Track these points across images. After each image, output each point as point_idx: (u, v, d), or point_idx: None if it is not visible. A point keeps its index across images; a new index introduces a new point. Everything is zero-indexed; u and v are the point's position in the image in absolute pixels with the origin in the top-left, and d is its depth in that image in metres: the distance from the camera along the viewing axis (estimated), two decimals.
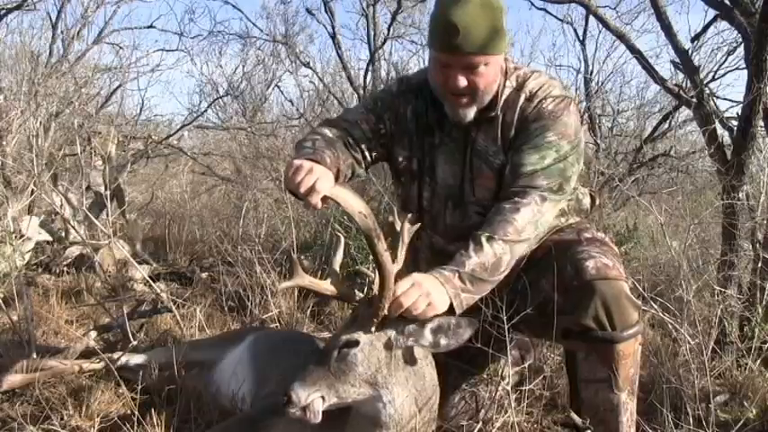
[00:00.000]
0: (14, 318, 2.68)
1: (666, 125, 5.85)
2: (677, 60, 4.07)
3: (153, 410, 2.02)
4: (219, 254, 3.96)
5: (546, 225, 1.92)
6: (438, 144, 2.05)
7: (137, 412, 1.93)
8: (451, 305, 1.70)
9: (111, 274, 3.83)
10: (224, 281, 3.58)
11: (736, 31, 3.86)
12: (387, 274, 1.59)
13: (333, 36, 7.28)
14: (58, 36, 6.51)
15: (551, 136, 1.89)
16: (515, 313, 1.83)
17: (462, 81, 1.86)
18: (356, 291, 1.72)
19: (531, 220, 1.84)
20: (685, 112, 5.65)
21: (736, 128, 3.22)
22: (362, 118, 2.04)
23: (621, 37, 4.43)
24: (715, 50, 5.33)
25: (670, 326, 2.42)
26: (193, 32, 9.84)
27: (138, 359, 2.44)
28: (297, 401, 1.55)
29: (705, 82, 4.48)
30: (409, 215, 1.82)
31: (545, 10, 6.45)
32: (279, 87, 8.64)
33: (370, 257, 3.62)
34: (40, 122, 4.27)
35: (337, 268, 1.74)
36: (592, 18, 5.86)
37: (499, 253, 1.78)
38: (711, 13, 4.07)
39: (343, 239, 1.80)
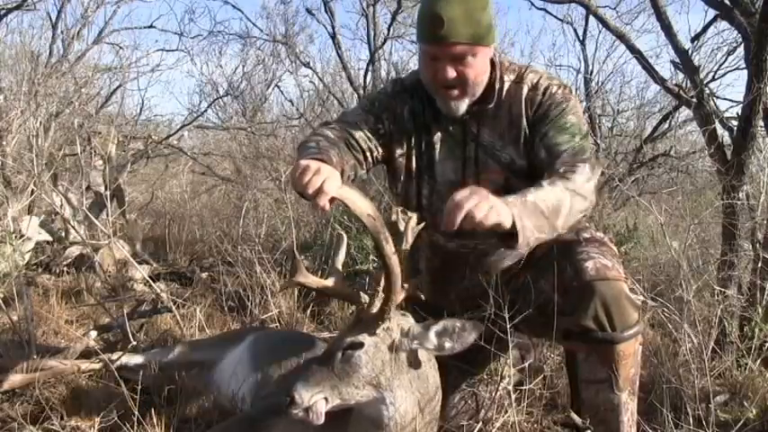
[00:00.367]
0: (14, 318, 2.68)
1: (666, 125, 5.85)
2: (677, 60, 4.07)
3: (153, 410, 2.02)
4: (219, 254, 3.96)
5: (596, 191, 1.90)
6: (436, 141, 2.05)
7: (137, 412, 1.93)
8: (514, 226, 1.64)
9: (111, 274, 3.83)
10: (224, 281, 3.58)
11: (736, 31, 3.86)
12: (394, 277, 1.57)
13: (333, 36, 7.29)
14: (58, 36, 6.52)
15: (572, 118, 1.94)
16: (516, 313, 1.82)
17: (451, 72, 1.88)
18: (361, 292, 1.69)
19: (587, 181, 1.84)
20: (685, 112, 5.65)
21: (736, 128, 3.22)
22: (361, 119, 2.05)
23: (621, 37, 4.43)
24: (715, 50, 5.33)
25: (670, 326, 2.42)
26: (193, 32, 9.80)
27: (138, 359, 2.44)
28: (300, 402, 1.54)
29: (705, 82, 4.47)
30: (414, 214, 1.80)
31: (545, 10, 6.45)
32: (279, 87, 8.66)
33: (371, 257, 3.65)
34: (40, 122, 4.27)
35: (340, 267, 1.73)
36: (592, 18, 5.86)
37: (560, 196, 1.76)
38: (711, 13, 4.07)
39: (345, 239, 1.79)
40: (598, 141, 5.86)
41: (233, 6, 8.49)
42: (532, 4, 6.07)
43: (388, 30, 7.21)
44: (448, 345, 1.66)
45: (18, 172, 4.12)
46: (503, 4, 10.74)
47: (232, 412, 2.10)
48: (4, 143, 4.23)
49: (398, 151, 2.09)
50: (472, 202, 1.58)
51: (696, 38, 4.47)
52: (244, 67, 8.59)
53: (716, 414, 2.00)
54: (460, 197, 1.59)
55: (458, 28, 1.83)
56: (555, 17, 6.77)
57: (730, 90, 10.23)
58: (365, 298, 1.67)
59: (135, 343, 2.69)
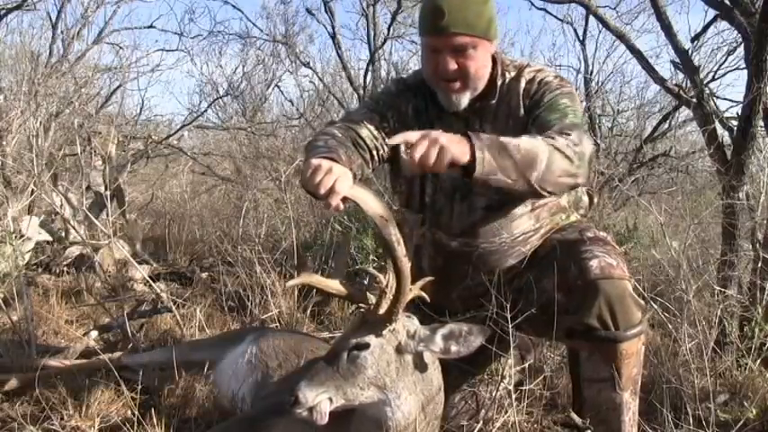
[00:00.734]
0: (14, 318, 2.68)
1: (666, 125, 5.86)
2: (677, 60, 4.07)
3: (153, 410, 2.02)
4: (219, 254, 3.96)
5: (585, 162, 1.79)
6: None
7: (137, 412, 1.93)
8: (473, 159, 1.61)
9: (111, 274, 3.83)
10: (224, 281, 3.57)
11: (736, 31, 3.87)
12: (404, 279, 1.56)
13: (333, 36, 7.30)
14: (58, 36, 6.52)
15: (566, 101, 1.94)
16: (519, 312, 1.82)
17: (452, 64, 1.90)
18: (368, 293, 1.69)
19: (571, 144, 1.76)
20: (685, 112, 5.66)
21: (736, 128, 3.22)
22: (367, 118, 2.04)
23: (621, 37, 4.43)
24: (715, 50, 5.36)
25: (670, 326, 2.42)
26: (193, 32, 9.85)
27: (138, 359, 2.44)
28: (304, 402, 1.53)
29: (705, 82, 4.49)
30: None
31: (545, 10, 6.47)
32: (279, 87, 8.68)
33: (371, 258, 3.65)
34: (40, 122, 4.27)
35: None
36: (592, 18, 5.87)
37: (536, 145, 1.71)
38: (711, 13, 4.08)
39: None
40: (598, 141, 5.86)
41: (233, 6, 8.55)
42: (532, 4, 6.09)
43: (388, 30, 7.22)
44: (454, 348, 1.65)
45: (18, 172, 4.12)
46: (503, 4, 10.70)
47: (232, 412, 2.09)
48: (4, 143, 4.23)
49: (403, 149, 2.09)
50: (420, 149, 1.58)
51: (696, 38, 4.48)
52: (244, 67, 8.62)
53: (716, 414, 2.00)
54: (412, 149, 1.58)
55: (458, 19, 1.85)
56: (555, 17, 6.80)
57: (730, 90, 10.27)
58: (371, 299, 1.66)
59: (135, 343, 2.69)
